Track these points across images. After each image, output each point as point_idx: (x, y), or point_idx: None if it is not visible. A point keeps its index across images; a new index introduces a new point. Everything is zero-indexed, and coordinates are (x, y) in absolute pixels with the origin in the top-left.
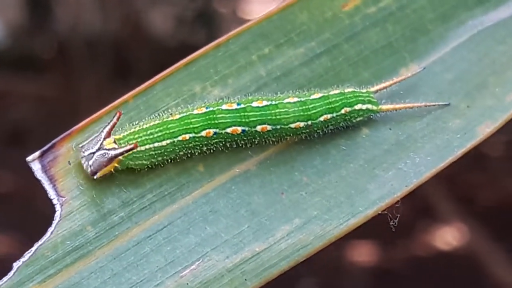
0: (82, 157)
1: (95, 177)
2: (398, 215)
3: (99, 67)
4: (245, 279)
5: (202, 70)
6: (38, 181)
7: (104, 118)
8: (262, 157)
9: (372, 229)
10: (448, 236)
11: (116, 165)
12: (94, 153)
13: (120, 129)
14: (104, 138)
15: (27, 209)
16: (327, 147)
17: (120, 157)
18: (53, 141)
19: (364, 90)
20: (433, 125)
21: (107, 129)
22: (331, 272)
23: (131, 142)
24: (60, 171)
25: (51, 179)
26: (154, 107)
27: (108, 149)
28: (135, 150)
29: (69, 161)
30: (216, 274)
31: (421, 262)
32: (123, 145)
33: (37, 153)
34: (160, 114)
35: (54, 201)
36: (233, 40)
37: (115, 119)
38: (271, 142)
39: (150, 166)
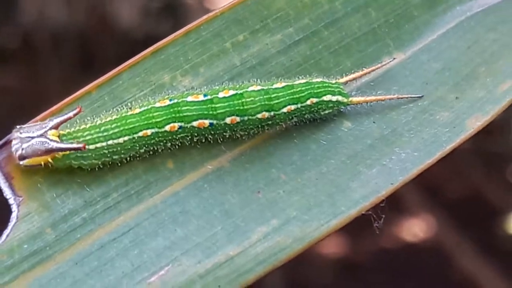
0: (16, 137)
1: (21, 163)
2: (384, 216)
3: (65, 59)
4: (219, 286)
5: (171, 59)
6: None
7: (64, 110)
8: (237, 152)
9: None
10: (415, 228)
11: (50, 160)
12: (33, 137)
13: (73, 123)
14: (51, 128)
15: None
16: (306, 141)
17: (57, 154)
18: (9, 136)
19: (333, 81)
20: (419, 118)
21: (58, 120)
22: (297, 264)
23: (78, 140)
24: (17, 169)
25: (7, 177)
26: (120, 98)
27: (50, 140)
28: (88, 148)
29: None
30: (187, 280)
31: (389, 254)
32: (68, 141)
33: None
34: (121, 107)
35: (10, 201)
36: (205, 26)
37: (71, 114)
38: (239, 136)
39: (104, 166)
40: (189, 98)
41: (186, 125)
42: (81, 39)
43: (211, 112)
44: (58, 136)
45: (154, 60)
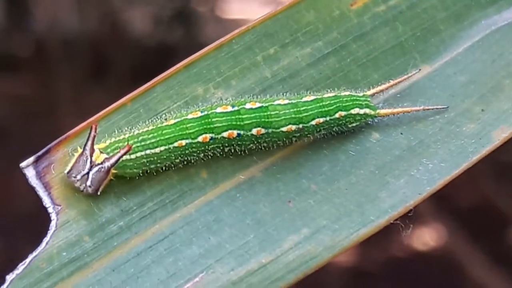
0: (76, 182)
1: (98, 193)
2: (411, 226)
3: (76, 67)
4: None
5: (204, 72)
6: (32, 187)
7: (100, 122)
8: (268, 163)
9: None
10: (426, 237)
11: (112, 177)
12: (88, 173)
13: (105, 136)
14: (91, 155)
15: (6, 213)
16: (335, 152)
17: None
18: (48, 146)
19: (361, 94)
20: (446, 129)
21: (89, 145)
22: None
23: (120, 147)
24: (56, 178)
25: (46, 187)
26: (154, 110)
27: (101, 163)
28: (126, 158)
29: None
30: (221, 287)
31: (399, 262)
32: (112, 153)
33: (31, 159)
34: (156, 119)
35: (50, 210)
36: (237, 40)
37: (93, 133)
38: (267, 147)
39: (141, 175)
40: (219, 109)
41: (216, 136)
42: (93, 47)
43: (238, 123)
44: (101, 152)
45: (188, 73)
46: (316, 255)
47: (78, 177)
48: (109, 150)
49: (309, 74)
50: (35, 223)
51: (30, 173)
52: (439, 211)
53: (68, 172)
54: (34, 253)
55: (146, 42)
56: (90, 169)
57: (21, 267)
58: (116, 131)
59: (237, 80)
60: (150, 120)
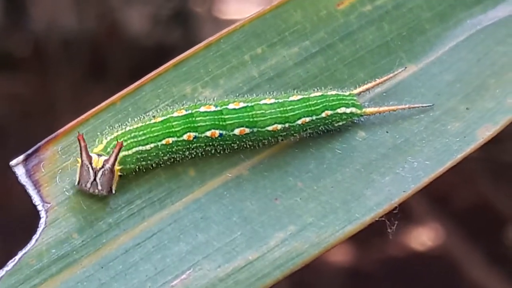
0: (88, 190)
1: (113, 192)
2: (396, 222)
3: (75, 66)
4: None
5: (192, 71)
6: (22, 186)
7: (90, 120)
8: (255, 161)
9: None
10: (423, 237)
11: (119, 173)
12: (94, 179)
13: (98, 134)
14: (90, 163)
15: (4, 213)
16: (322, 150)
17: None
18: (38, 145)
19: (347, 93)
20: (431, 128)
21: (84, 156)
22: (305, 272)
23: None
24: (45, 176)
25: (36, 184)
26: (143, 109)
27: (102, 166)
28: (125, 154)
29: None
30: (208, 284)
31: (396, 262)
32: (111, 152)
33: (21, 157)
34: (144, 116)
35: (39, 207)
36: (225, 39)
37: (82, 144)
38: (252, 146)
39: (135, 171)
40: (202, 109)
41: (200, 134)
42: (91, 46)
43: (221, 123)
44: (98, 155)
45: (176, 72)
46: (303, 252)
47: (88, 185)
48: (108, 149)
49: (296, 73)
50: (33, 222)
51: (20, 171)
52: (436, 211)
53: (78, 184)
54: (24, 250)
55: (144, 42)
56: (95, 176)
57: (10, 264)
58: (107, 128)
59: (225, 79)
60: (139, 118)
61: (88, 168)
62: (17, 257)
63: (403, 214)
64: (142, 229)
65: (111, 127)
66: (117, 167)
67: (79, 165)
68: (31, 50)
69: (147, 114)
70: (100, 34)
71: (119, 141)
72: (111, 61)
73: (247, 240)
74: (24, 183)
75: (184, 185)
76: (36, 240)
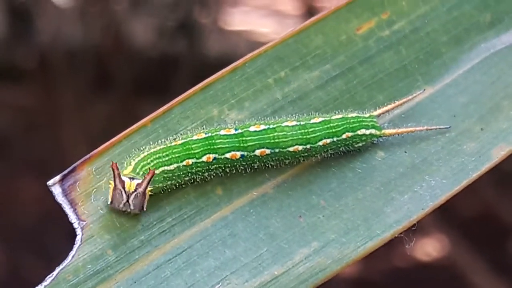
0: (121, 209)
1: (144, 209)
2: (414, 239)
3: (80, 78)
4: None
5: (219, 94)
6: (59, 204)
7: (123, 141)
8: (280, 180)
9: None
10: (428, 247)
11: (150, 188)
12: (127, 201)
13: (127, 157)
14: (123, 187)
15: (8, 224)
16: (343, 170)
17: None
18: (74, 165)
19: (367, 115)
20: (448, 148)
21: (117, 181)
22: None
23: (145, 169)
24: (80, 195)
25: (72, 203)
26: (173, 130)
27: (135, 190)
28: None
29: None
30: None
31: (402, 273)
32: (140, 171)
33: (57, 177)
34: (166, 139)
35: (75, 225)
36: (250, 63)
37: (116, 171)
38: (270, 166)
39: (163, 191)
40: (222, 132)
41: (220, 156)
42: (96, 58)
43: (242, 145)
44: (131, 178)
45: (203, 95)
46: (325, 267)
47: (121, 206)
48: (137, 170)
49: (317, 96)
50: (37, 234)
51: (57, 191)
52: (441, 221)
53: (111, 203)
54: (61, 266)
55: (149, 53)
56: (128, 198)
57: (48, 279)
58: (133, 151)
59: (250, 102)
60: (167, 140)
61: (121, 191)
62: (54, 273)
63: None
64: (172, 246)
65: (139, 149)
66: (148, 193)
67: (111, 186)
68: (36, 62)
69: (177, 135)
70: (105, 46)
71: (151, 169)
72: (116, 72)
73: (273, 256)
74: (61, 202)
75: (212, 203)
76: (73, 257)
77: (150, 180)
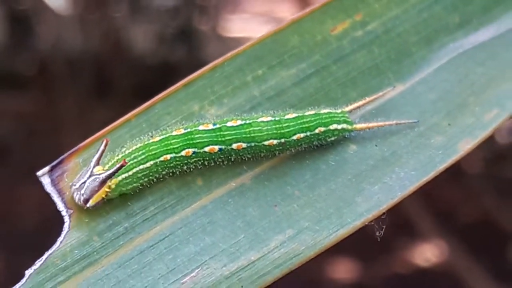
0: (73, 191)
1: (87, 205)
2: (384, 226)
3: (80, 85)
4: (242, 286)
5: (200, 90)
6: (48, 194)
7: (107, 135)
8: (257, 171)
9: (352, 245)
10: (427, 253)
11: (107, 190)
12: (85, 182)
13: (108, 156)
14: (94, 166)
15: (8, 230)
16: (317, 162)
17: (112, 183)
18: (61, 157)
19: (339, 111)
20: (416, 142)
21: (96, 157)
22: None
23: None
24: (68, 185)
25: (60, 192)
26: (156, 125)
27: (98, 174)
28: (126, 175)
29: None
30: (215, 281)
31: (401, 279)
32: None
33: (46, 168)
34: (144, 136)
35: (63, 213)
36: (229, 62)
37: (102, 147)
38: (247, 159)
39: (139, 189)
40: (201, 127)
41: (199, 150)
42: (96, 65)
43: (220, 139)
44: (103, 169)
45: (185, 92)
46: (300, 253)
47: (77, 185)
48: (107, 167)
49: (294, 92)
50: (37, 239)
51: (46, 181)
52: (440, 227)
53: (72, 183)
54: (50, 251)
55: (149, 60)
56: (88, 178)
57: (38, 263)
58: (121, 144)
59: (229, 98)
60: (141, 137)
61: (89, 169)
62: (43, 257)
63: (408, 230)
64: (155, 233)
65: (124, 143)
66: (106, 188)
67: (85, 168)
68: (36, 69)
69: (160, 129)
70: (104, 53)
71: (124, 159)
72: (116, 79)
73: (249, 242)
74: (49, 191)
75: (192, 193)
76: (61, 242)
77: (117, 170)
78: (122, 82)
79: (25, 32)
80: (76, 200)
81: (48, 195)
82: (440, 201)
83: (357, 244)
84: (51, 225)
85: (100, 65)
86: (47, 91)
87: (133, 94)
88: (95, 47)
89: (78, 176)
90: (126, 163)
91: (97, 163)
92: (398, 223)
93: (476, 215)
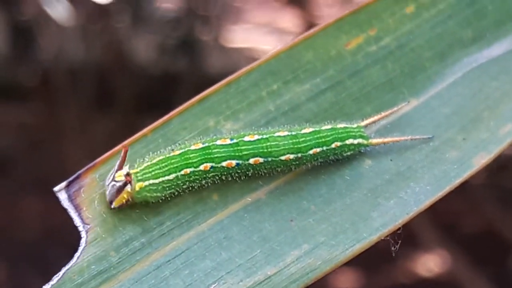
0: (106, 187)
1: (111, 206)
2: (400, 241)
3: (82, 96)
4: None
5: (215, 106)
6: (64, 210)
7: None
8: (272, 186)
9: (355, 256)
10: (430, 263)
11: (125, 196)
12: (108, 184)
13: (138, 162)
14: (116, 171)
15: (10, 241)
16: (332, 177)
17: (137, 186)
18: (78, 172)
19: (355, 125)
20: (431, 156)
21: (117, 163)
22: None
23: (145, 176)
24: (85, 200)
25: (77, 208)
26: (172, 140)
27: (117, 181)
28: (153, 182)
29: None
30: None
31: None
32: (135, 178)
33: (63, 184)
34: (165, 150)
35: (80, 228)
36: (244, 77)
37: (122, 155)
38: (263, 174)
39: (162, 199)
40: (218, 142)
41: (216, 164)
42: (98, 76)
43: (237, 154)
44: (127, 174)
45: (200, 107)
46: (316, 268)
47: (107, 182)
48: (138, 175)
49: (308, 107)
50: (40, 250)
51: (63, 196)
52: (443, 237)
53: (105, 179)
54: (67, 266)
55: (151, 70)
56: (109, 182)
57: (55, 279)
58: (137, 160)
59: (245, 113)
60: (163, 150)
61: (112, 173)
62: (61, 273)
63: (411, 240)
64: (171, 248)
65: (141, 158)
66: (125, 194)
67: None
68: (39, 80)
69: (176, 144)
70: (107, 63)
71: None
72: (118, 89)
73: (266, 257)
74: (66, 207)
75: (208, 209)
76: (78, 258)
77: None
78: (124, 93)
79: (27, 43)
80: (106, 198)
81: (54, 207)
82: (443, 211)
83: (360, 254)
84: (53, 235)
85: (102, 75)
86: (49, 101)
87: (135, 105)
88: (97, 57)
89: (110, 174)
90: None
91: (120, 168)
92: (401, 233)
93: (479, 225)
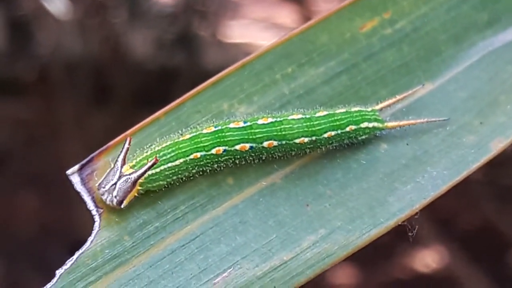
0: (103, 193)
1: (122, 206)
2: (417, 226)
3: (79, 90)
4: (274, 287)
5: (229, 89)
6: (78, 193)
7: (136, 134)
8: (288, 170)
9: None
10: (428, 259)
11: (139, 187)
12: (115, 183)
13: (133, 155)
14: (121, 166)
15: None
16: (348, 161)
17: (141, 180)
18: (91, 155)
19: (369, 109)
20: (448, 141)
21: (121, 156)
22: None
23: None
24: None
25: (90, 191)
26: (185, 123)
27: (129, 174)
28: (153, 172)
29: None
30: (247, 281)
31: (401, 285)
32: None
33: (76, 167)
34: (173, 134)
35: (93, 212)
36: (258, 60)
37: (126, 145)
38: (278, 157)
39: (166, 186)
40: (231, 125)
41: (229, 148)
42: (95, 71)
43: (251, 137)
44: (131, 167)
45: (214, 90)
46: (332, 253)
47: (107, 187)
48: (136, 167)
49: (323, 91)
50: (37, 247)
51: (76, 180)
52: (441, 234)
53: (99, 184)
54: (80, 251)
55: (148, 66)
56: (118, 179)
57: (69, 263)
58: (150, 143)
59: (259, 96)
60: (171, 135)
61: (117, 170)
62: (74, 257)
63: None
64: (186, 232)
65: (154, 141)
66: (139, 187)
67: (109, 168)
68: (36, 75)
69: (189, 128)
70: (104, 59)
71: (156, 157)
72: (115, 85)
73: (281, 242)
74: (79, 190)
75: (223, 192)
76: (91, 242)
77: (149, 168)
78: (121, 88)
79: (24, 38)
80: (108, 202)
81: (51, 203)
82: (440, 207)
83: (358, 250)
84: (50, 232)
85: (99, 70)
86: (46, 97)
87: (133, 100)
88: (95, 53)
89: (104, 177)
90: (157, 160)
91: (124, 163)
92: (399, 228)
93: (476, 221)
